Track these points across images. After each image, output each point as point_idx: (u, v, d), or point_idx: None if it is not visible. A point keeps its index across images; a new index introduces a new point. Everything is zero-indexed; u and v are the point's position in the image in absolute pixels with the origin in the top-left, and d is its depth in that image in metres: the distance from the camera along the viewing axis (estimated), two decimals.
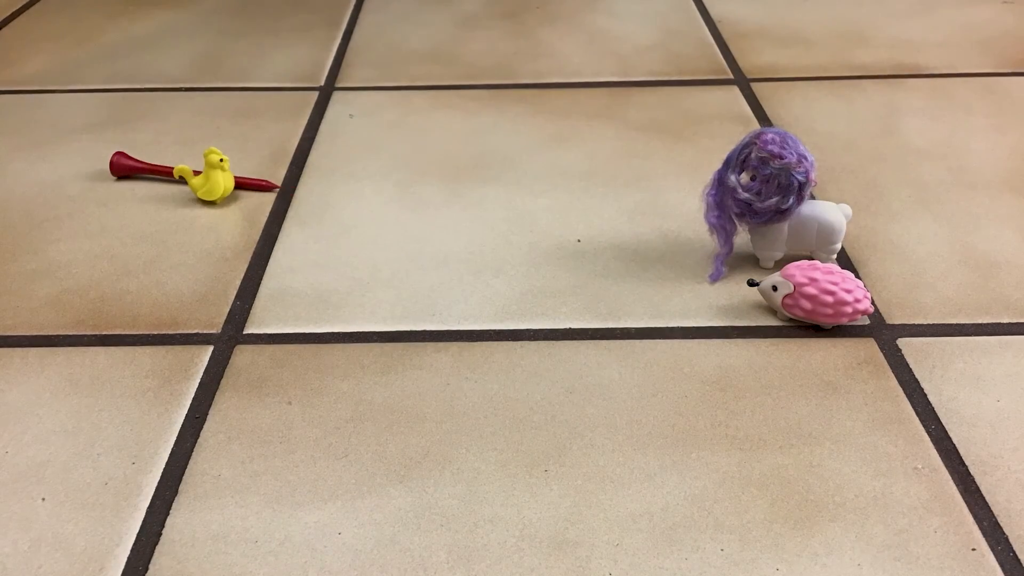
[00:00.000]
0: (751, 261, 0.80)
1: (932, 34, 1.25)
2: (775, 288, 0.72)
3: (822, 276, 0.70)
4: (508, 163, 0.97)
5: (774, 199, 0.74)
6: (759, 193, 0.75)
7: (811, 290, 0.70)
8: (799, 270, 0.71)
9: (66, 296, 0.78)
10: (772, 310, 0.74)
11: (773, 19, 1.32)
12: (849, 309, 0.70)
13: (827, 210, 0.76)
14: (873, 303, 0.74)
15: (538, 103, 1.09)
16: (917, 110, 1.05)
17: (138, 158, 0.96)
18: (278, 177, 0.95)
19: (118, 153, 0.94)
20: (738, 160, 0.76)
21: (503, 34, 1.29)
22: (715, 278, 0.78)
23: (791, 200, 0.74)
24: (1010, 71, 1.14)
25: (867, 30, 1.27)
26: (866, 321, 0.73)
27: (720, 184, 0.76)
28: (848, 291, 0.70)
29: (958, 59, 1.18)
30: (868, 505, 0.58)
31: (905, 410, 0.65)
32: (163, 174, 0.94)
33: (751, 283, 0.73)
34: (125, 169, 0.94)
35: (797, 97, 1.09)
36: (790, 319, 0.73)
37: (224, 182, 0.88)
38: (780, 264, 0.79)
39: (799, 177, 0.74)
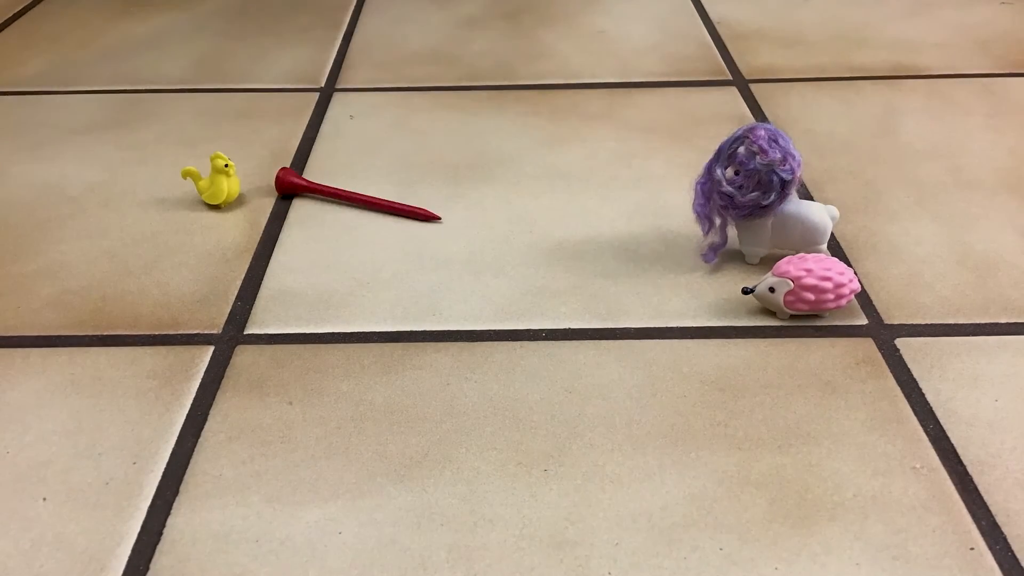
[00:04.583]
0: (742, 257, 0.80)
1: (930, 35, 1.25)
2: (773, 289, 0.72)
3: (815, 265, 0.71)
4: (508, 163, 0.97)
5: (754, 194, 0.75)
6: (740, 187, 0.75)
7: (811, 280, 0.70)
8: (791, 265, 0.71)
9: (67, 296, 0.78)
10: (771, 311, 0.74)
11: (772, 20, 1.32)
12: (846, 291, 0.71)
13: (812, 210, 0.76)
14: (866, 291, 0.76)
15: (538, 103, 1.09)
16: (915, 111, 1.06)
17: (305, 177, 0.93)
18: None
19: (283, 170, 0.91)
20: (727, 153, 0.76)
21: (503, 35, 1.29)
22: (709, 260, 0.79)
23: (772, 197, 0.75)
24: (1009, 72, 1.14)
25: (866, 31, 1.27)
26: (864, 320, 0.73)
27: (709, 175, 0.77)
28: (841, 273, 0.71)
29: (957, 60, 1.18)
30: (866, 504, 0.58)
31: (903, 410, 0.65)
32: (329, 195, 0.91)
33: (745, 291, 0.73)
34: (291, 188, 0.91)
35: (796, 98, 1.09)
36: (791, 317, 0.73)
37: (228, 187, 0.88)
38: (766, 263, 0.79)
39: (784, 175, 0.74)
